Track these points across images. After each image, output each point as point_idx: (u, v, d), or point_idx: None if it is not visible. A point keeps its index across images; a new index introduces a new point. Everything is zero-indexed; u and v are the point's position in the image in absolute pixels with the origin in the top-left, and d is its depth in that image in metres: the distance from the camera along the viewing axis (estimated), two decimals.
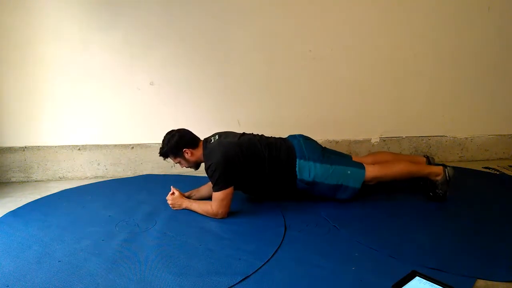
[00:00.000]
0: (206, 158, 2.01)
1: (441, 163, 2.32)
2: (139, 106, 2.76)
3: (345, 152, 2.92)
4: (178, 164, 2.15)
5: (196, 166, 2.14)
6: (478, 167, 2.86)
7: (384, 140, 2.99)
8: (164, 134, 2.09)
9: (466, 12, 2.81)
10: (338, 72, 2.83)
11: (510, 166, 2.87)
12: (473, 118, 3.03)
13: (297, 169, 2.02)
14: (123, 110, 2.76)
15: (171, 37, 2.67)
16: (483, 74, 2.95)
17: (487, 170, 2.78)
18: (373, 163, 2.13)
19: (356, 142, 2.97)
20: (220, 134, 2.13)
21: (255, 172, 2.02)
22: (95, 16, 2.59)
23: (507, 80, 2.98)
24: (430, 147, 3.03)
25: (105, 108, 2.74)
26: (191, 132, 2.11)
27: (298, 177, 2.03)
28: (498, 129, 3.07)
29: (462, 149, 3.06)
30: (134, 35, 2.64)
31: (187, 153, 2.05)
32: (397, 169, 2.08)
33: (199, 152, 2.07)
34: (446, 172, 2.10)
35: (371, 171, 2.05)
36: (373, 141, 2.99)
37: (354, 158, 2.18)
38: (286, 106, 2.87)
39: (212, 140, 2.07)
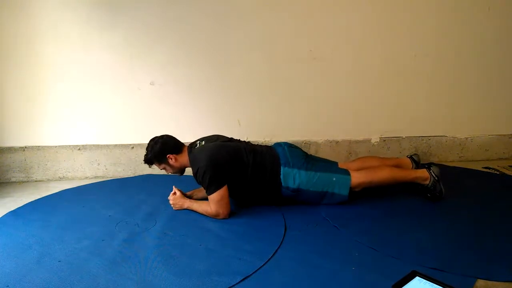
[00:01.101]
0: (192, 163, 2.02)
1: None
2: (139, 106, 2.76)
3: (345, 153, 2.95)
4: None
5: (181, 171, 2.15)
6: (478, 167, 2.86)
7: (384, 140, 2.99)
8: (148, 141, 2.10)
9: (466, 12, 2.81)
10: (338, 72, 2.83)
11: (510, 166, 2.86)
12: (473, 118, 3.03)
13: (281, 176, 2.02)
14: (123, 110, 2.76)
15: (171, 37, 2.67)
16: (483, 74, 2.95)
17: (487, 170, 2.78)
18: (359, 169, 2.13)
19: (356, 142, 2.97)
20: (205, 138, 2.14)
21: (239, 178, 2.01)
22: (95, 16, 2.59)
23: (507, 80, 2.98)
24: (430, 147, 3.03)
25: (105, 108, 2.74)
26: (174, 138, 2.12)
27: (283, 184, 2.02)
28: (498, 129, 3.06)
29: (462, 149, 3.06)
30: (134, 35, 2.64)
31: (171, 159, 2.05)
32: (382, 175, 2.07)
33: (183, 158, 2.07)
34: (432, 173, 2.10)
35: (357, 178, 2.04)
36: (373, 141, 2.99)
37: (340, 165, 2.18)
38: (286, 106, 2.86)
39: (197, 145, 2.08)
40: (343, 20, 2.74)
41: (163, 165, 2.10)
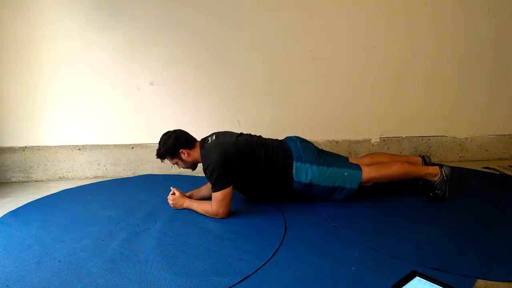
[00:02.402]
0: (203, 158, 2.02)
1: (437, 162, 2.33)
2: (139, 106, 2.76)
3: (345, 152, 2.95)
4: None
5: (193, 166, 2.14)
6: (478, 167, 2.86)
7: (384, 140, 2.99)
8: (161, 136, 2.09)
9: (466, 13, 2.81)
10: (338, 72, 2.83)
11: (510, 166, 2.86)
12: (473, 118, 3.03)
13: (294, 171, 2.02)
14: (123, 110, 2.76)
15: (171, 37, 2.67)
16: (483, 74, 2.95)
17: (487, 170, 2.78)
18: (370, 164, 2.13)
19: (356, 142, 2.97)
20: (217, 134, 2.13)
21: (251, 173, 2.01)
22: (95, 16, 2.59)
23: (507, 80, 2.98)
24: (430, 147, 3.03)
25: (105, 108, 2.74)
26: (187, 133, 2.11)
27: (295, 179, 2.03)
28: (498, 129, 3.06)
29: (462, 149, 3.06)
30: (134, 35, 2.64)
31: (184, 154, 2.05)
32: (394, 170, 2.07)
33: (196, 153, 2.07)
34: (443, 172, 2.10)
35: (368, 172, 2.05)
36: (373, 141, 2.99)
37: (351, 160, 2.18)
38: (286, 106, 2.87)
39: (209, 140, 2.07)
40: (343, 20, 2.75)
41: (175, 160, 2.09)
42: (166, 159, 2.10)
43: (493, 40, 2.88)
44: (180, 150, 2.04)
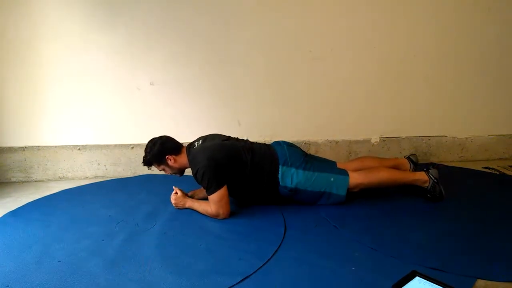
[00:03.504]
0: (191, 164, 2.02)
1: (426, 163, 2.30)
2: (139, 106, 2.76)
3: (345, 153, 2.95)
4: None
5: (180, 172, 2.14)
6: (478, 167, 2.86)
7: (384, 140, 2.99)
8: (147, 142, 2.10)
9: (466, 13, 2.81)
10: (338, 72, 2.83)
11: (510, 166, 2.87)
12: (473, 118, 3.03)
13: (279, 175, 2.02)
14: (123, 110, 2.76)
15: (171, 37, 2.67)
16: (483, 74, 2.95)
17: (487, 170, 2.78)
18: (359, 169, 2.13)
19: (356, 142, 2.97)
20: (204, 138, 2.14)
21: (237, 176, 2.01)
22: (95, 16, 2.59)
23: (507, 80, 2.98)
24: (430, 147, 3.03)
25: (105, 108, 2.74)
26: (173, 139, 2.12)
27: (280, 183, 2.02)
28: (498, 129, 3.07)
29: (462, 149, 3.07)
30: (134, 35, 2.64)
31: (170, 160, 2.05)
32: (381, 176, 2.06)
33: (182, 158, 2.07)
34: (431, 176, 2.09)
35: (355, 178, 2.04)
36: (373, 141, 2.99)
37: (339, 165, 2.17)
38: (286, 106, 2.87)
39: (196, 145, 2.08)
40: (343, 20, 2.75)
41: (162, 166, 2.09)
42: (153, 166, 2.10)
43: (493, 40, 2.88)
44: (167, 157, 2.04)
